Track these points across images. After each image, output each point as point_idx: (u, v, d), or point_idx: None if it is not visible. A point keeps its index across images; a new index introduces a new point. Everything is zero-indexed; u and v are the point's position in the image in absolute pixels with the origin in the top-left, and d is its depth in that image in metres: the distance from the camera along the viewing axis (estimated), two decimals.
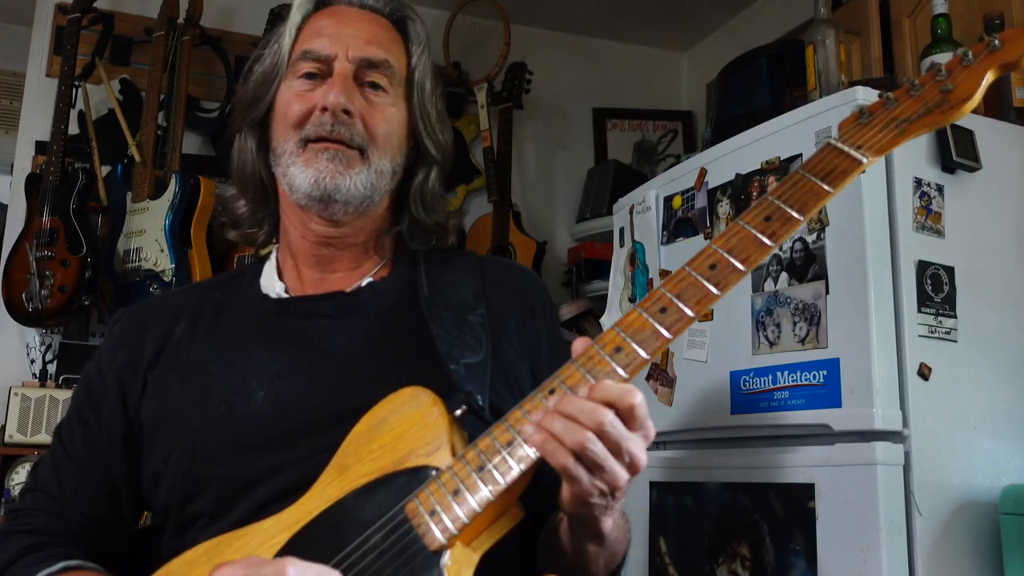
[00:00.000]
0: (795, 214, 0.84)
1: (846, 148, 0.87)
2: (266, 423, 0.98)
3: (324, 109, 1.02)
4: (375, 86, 1.06)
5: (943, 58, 1.68)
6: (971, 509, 1.57)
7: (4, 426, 2.54)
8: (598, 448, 0.76)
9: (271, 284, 1.11)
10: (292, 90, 1.06)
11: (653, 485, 2.04)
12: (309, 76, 1.05)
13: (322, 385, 1.00)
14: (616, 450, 0.77)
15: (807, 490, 1.63)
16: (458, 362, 0.98)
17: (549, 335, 1.11)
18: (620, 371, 0.80)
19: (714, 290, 0.81)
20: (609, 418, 0.76)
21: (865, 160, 0.86)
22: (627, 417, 0.78)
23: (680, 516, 1.94)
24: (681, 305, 0.81)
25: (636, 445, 0.78)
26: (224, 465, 0.97)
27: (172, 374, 1.05)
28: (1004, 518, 1.53)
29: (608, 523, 0.86)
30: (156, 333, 1.09)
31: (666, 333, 0.80)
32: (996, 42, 0.89)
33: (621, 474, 0.79)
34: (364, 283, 1.09)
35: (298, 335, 1.04)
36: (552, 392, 0.81)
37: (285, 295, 1.09)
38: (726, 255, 0.83)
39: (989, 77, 0.88)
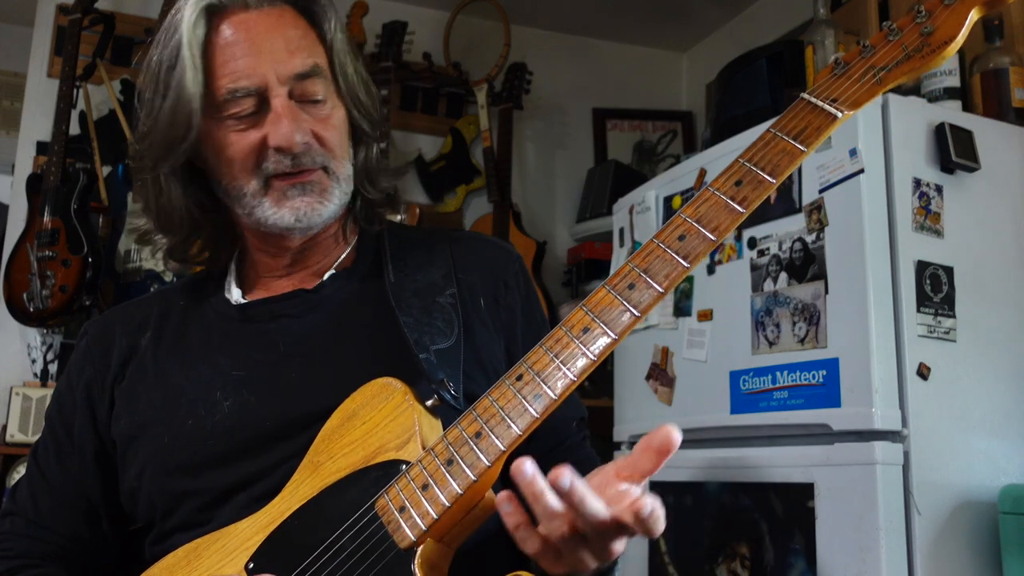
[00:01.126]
0: (767, 177, 0.79)
1: (820, 103, 0.82)
2: (234, 433, 0.95)
3: (279, 148, 0.95)
4: (313, 99, 0.98)
5: None
6: (970, 509, 1.57)
7: (5, 426, 2.54)
8: (575, 544, 0.72)
9: (232, 290, 1.08)
10: (227, 129, 0.96)
11: (653, 485, 2.05)
12: (239, 113, 0.96)
13: (290, 388, 0.97)
14: (579, 543, 0.73)
15: (807, 490, 1.63)
16: (428, 350, 0.95)
17: (524, 309, 1.07)
18: (588, 354, 0.76)
19: (683, 263, 0.77)
20: (606, 527, 0.71)
21: (840, 115, 0.81)
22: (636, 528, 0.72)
23: (680, 516, 1.94)
24: (649, 280, 0.77)
25: (618, 544, 0.74)
26: (198, 479, 0.95)
27: (139, 388, 1.02)
28: (1003, 517, 1.53)
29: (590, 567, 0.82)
30: (121, 346, 1.06)
31: (634, 311, 0.76)
32: None
33: (590, 563, 0.74)
34: (326, 276, 1.05)
35: (263, 339, 1.01)
36: (520, 378, 0.78)
37: (244, 300, 1.06)
38: (695, 224, 0.78)
39: (973, 16, 0.82)
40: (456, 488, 0.77)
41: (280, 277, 1.07)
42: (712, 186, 0.80)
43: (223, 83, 0.95)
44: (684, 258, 0.77)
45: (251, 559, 0.86)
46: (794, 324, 1.71)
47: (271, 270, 1.07)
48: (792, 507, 1.66)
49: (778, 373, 1.73)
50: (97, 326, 1.11)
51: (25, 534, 1.04)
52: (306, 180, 0.98)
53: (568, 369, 0.77)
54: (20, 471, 2.46)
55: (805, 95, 0.84)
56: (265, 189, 0.98)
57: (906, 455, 1.55)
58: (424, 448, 0.82)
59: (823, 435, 1.63)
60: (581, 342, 0.77)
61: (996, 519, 1.55)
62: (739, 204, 0.78)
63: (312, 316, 1.02)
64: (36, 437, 2.45)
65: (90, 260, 2.54)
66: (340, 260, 1.08)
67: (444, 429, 0.83)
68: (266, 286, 1.07)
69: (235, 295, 1.07)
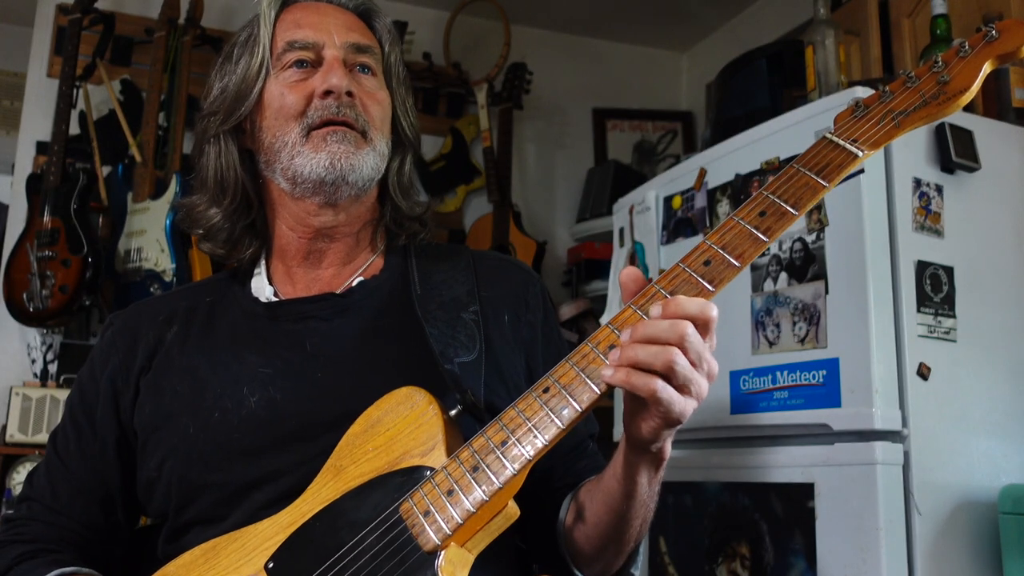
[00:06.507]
0: (790, 209, 0.83)
1: (841, 142, 0.86)
2: (259, 429, 0.97)
3: (327, 93, 1.01)
4: (364, 68, 1.06)
5: None
6: (970, 509, 1.57)
7: (5, 426, 2.54)
8: (685, 363, 0.76)
9: (261, 287, 1.10)
10: (283, 82, 1.04)
11: None
12: (299, 65, 1.03)
13: (315, 389, 0.99)
14: (698, 362, 0.77)
15: (807, 490, 1.63)
16: (452, 361, 0.97)
17: (543, 327, 1.10)
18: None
19: (708, 287, 0.80)
20: (690, 330, 0.76)
21: (861, 154, 0.85)
22: (701, 329, 0.78)
23: (680, 516, 1.94)
24: None
25: (710, 355, 0.79)
26: (218, 472, 0.96)
27: (164, 380, 1.04)
28: (1003, 517, 1.53)
29: (670, 444, 0.86)
30: (148, 338, 1.08)
31: None
32: (993, 32, 0.87)
33: (705, 385, 0.79)
34: (355, 283, 1.07)
35: (290, 338, 1.03)
36: (547, 391, 0.81)
37: (275, 298, 1.08)
38: (720, 251, 0.82)
39: (987, 68, 0.87)
40: (482, 494, 0.79)
41: (305, 269, 1.08)
42: (737, 215, 0.84)
43: (284, 37, 1.05)
44: (709, 282, 0.81)
45: (271, 559, 0.86)
46: (794, 324, 1.71)
47: (296, 255, 1.08)
48: (792, 507, 1.66)
49: (778, 373, 1.73)
50: (123, 318, 1.13)
51: (41, 519, 1.05)
52: (346, 131, 1.02)
53: (594, 384, 0.79)
54: (20, 471, 2.47)
55: (827, 135, 0.88)
56: (305, 139, 1.02)
57: (906, 455, 1.55)
58: (449, 455, 0.84)
59: (823, 435, 1.63)
60: (609, 358, 0.79)
61: (996, 519, 1.56)
62: (763, 233, 0.82)
63: (340, 320, 1.04)
64: (36, 437, 2.48)
65: (90, 260, 2.54)
66: (367, 267, 1.10)
67: (466, 439, 0.84)
68: (293, 281, 1.09)
69: (267, 291, 1.09)
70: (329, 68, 1.02)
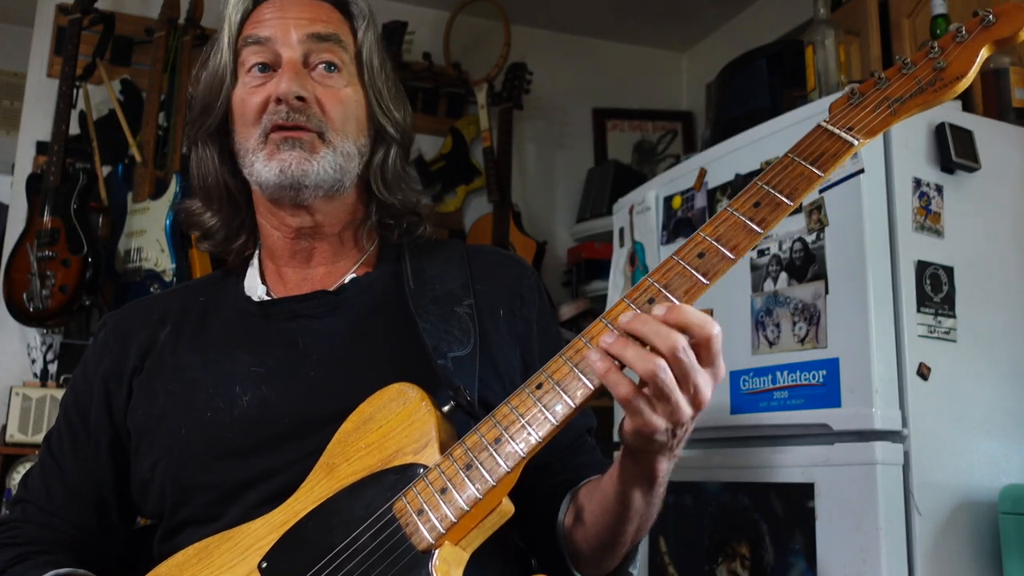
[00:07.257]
0: (784, 199, 0.81)
1: (837, 130, 0.85)
2: (252, 428, 0.97)
3: (278, 100, 1.00)
4: (329, 67, 1.04)
5: None
6: (970, 509, 1.57)
7: (5, 426, 2.54)
8: (667, 377, 0.73)
9: (254, 286, 1.10)
10: (246, 87, 1.04)
11: None
12: (261, 69, 1.03)
13: (308, 387, 0.98)
14: (683, 380, 0.74)
15: (807, 490, 1.63)
16: (446, 356, 0.96)
17: (539, 321, 1.09)
18: None
19: (703, 279, 0.79)
20: (683, 344, 0.73)
21: (856, 142, 0.83)
22: (702, 348, 0.74)
23: (680, 516, 1.94)
24: (668, 295, 0.79)
25: (704, 380, 0.75)
26: (212, 471, 0.96)
27: (157, 380, 1.04)
28: (1003, 517, 1.53)
29: (663, 466, 0.83)
30: (141, 339, 1.07)
31: None
32: (990, 17, 0.85)
33: (685, 409, 0.75)
34: (347, 280, 1.07)
35: (283, 337, 1.03)
36: (540, 387, 0.79)
37: (267, 297, 1.08)
38: (715, 243, 0.80)
39: (984, 53, 0.85)
40: (475, 492, 0.78)
41: (295, 269, 1.08)
42: (731, 206, 0.82)
43: (244, 35, 1.05)
44: (704, 275, 0.79)
45: (264, 558, 0.86)
46: (794, 324, 1.71)
47: (283, 255, 1.08)
48: (792, 507, 1.66)
49: (778, 373, 1.73)
50: (116, 319, 1.13)
51: (36, 521, 1.05)
52: (297, 136, 1.01)
53: (588, 379, 0.78)
54: (20, 471, 2.47)
55: (822, 123, 0.86)
56: (263, 144, 1.02)
57: (906, 455, 1.55)
58: (442, 452, 0.83)
59: (823, 435, 1.63)
60: (602, 340, 0.77)
61: (996, 519, 1.55)
62: (757, 224, 0.80)
63: (332, 318, 1.04)
64: (36, 437, 2.48)
65: (90, 260, 2.54)
66: (359, 264, 1.09)
67: (459, 435, 0.84)
68: (284, 280, 1.09)
69: (259, 291, 1.09)
70: (281, 73, 1.02)
